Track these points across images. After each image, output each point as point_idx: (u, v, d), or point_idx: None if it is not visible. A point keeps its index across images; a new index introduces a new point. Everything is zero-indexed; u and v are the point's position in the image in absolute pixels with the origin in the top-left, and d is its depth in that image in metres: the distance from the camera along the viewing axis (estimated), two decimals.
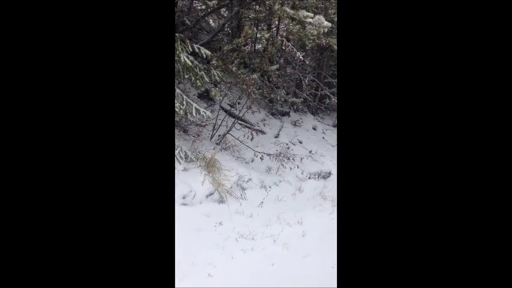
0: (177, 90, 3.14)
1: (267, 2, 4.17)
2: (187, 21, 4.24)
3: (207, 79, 3.30)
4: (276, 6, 3.73)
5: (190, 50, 3.12)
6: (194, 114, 3.15)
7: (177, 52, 3.00)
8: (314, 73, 5.92)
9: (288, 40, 3.99)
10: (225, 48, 4.00)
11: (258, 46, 5.15)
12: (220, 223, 2.85)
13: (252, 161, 4.13)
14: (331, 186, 4.19)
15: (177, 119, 3.66)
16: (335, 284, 2.21)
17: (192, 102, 3.18)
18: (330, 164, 4.86)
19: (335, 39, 4.57)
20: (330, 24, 3.85)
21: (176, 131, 3.74)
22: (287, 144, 4.91)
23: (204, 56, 3.20)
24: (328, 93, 4.74)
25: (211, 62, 3.68)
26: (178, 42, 3.02)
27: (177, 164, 3.16)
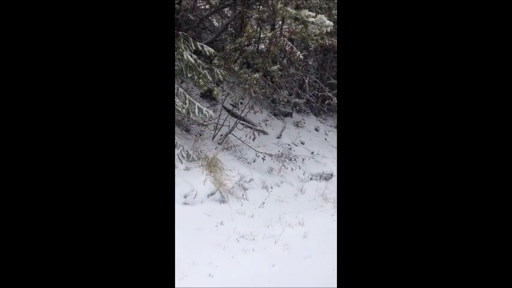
0: (180, 89, 3.13)
1: (270, 2, 4.16)
2: (191, 18, 4.23)
3: (210, 78, 3.30)
4: (279, 6, 3.72)
5: (194, 48, 3.11)
6: (197, 114, 3.15)
7: (180, 50, 3.00)
8: (317, 74, 5.90)
9: (291, 40, 3.98)
10: (228, 47, 3.99)
11: (261, 46, 5.14)
12: (221, 223, 2.84)
13: (254, 161, 4.12)
14: (332, 187, 4.17)
15: (179, 118, 3.66)
16: (335, 285, 2.19)
17: (194, 102, 3.17)
18: (332, 165, 4.84)
19: None
20: (332, 24, 3.83)
21: (178, 130, 3.74)
22: (289, 145, 4.90)
23: (208, 54, 3.20)
24: (330, 95, 4.73)
25: (213, 61, 3.67)
26: (182, 41, 3.02)
27: (178, 163, 3.15)
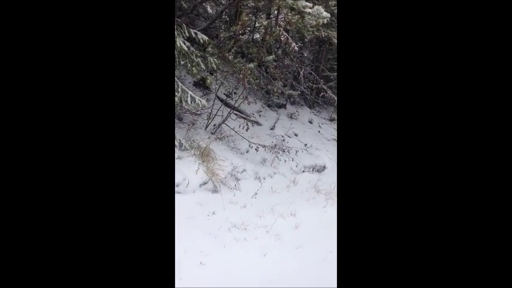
0: None
1: None
2: (184, 5, 4.13)
3: (203, 66, 3.23)
4: None
5: (187, 35, 3.04)
6: (189, 102, 3.09)
7: None
8: (312, 66, 5.86)
9: (286, 30, 3.93)
10: (222, 35, 3.92)
11: (256, 36, 5.06)
12: (213, 212, 2.83)
13: (247, 152, 4.10)
14: (325, 179, 4.19)
15: None
16: (327, 276, 2.21)
17: (187, 90, 3.11)
18: (325, 157, 4.86)
19: (334, 32, 4.51)
20: (328, 15, 3.79)
21: None
22: (282, 136, 4.89)
23: (201, 41, 3.13)
24: (325, 87, 4.71)
25: (207, 49, 3.60)
26: (175, 27, 2.94)
27: None
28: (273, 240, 2.62)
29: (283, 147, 4.32)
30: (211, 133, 3.97)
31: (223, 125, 4.06)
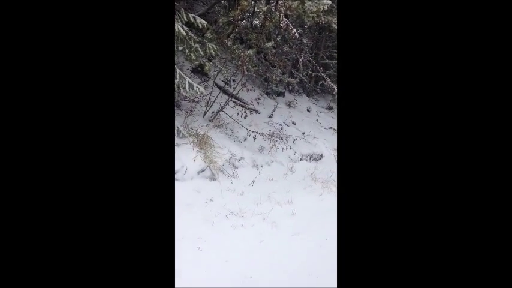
0: None
1: None
2: None
3: (201, 52, 3.18)
4: None
5: (185, 19, 2.97)
6: (187, 89, 3.06)
7: None
8: (311, 53, 5.78)
9: (286, 16, 3.85)
10: (221, 21, 3.84)
11: (256, 21, 4.97)
12: (211, 199, 2.85)
13: (245, 139, 4.10)
14: (322, 168, 4.22)
15: None
16: (322, 263, 2.25)
17: (185, 77, 3.07)
18: (322, 146, 4.87)
19: (334, 19, 4.44)
20: (329, 2, 3.73)
21: None
22: (280, 124, 4.88)
23: (200, 26, 3.06)
24: (324, 75, 4.67)
25: (205, 35, 3.53)
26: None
27: None
28: (269, 227, 2.66)
29: (281, 136, 4.32)
30: (210, 120, 3.95)
31: (221, 113, 4.04)
